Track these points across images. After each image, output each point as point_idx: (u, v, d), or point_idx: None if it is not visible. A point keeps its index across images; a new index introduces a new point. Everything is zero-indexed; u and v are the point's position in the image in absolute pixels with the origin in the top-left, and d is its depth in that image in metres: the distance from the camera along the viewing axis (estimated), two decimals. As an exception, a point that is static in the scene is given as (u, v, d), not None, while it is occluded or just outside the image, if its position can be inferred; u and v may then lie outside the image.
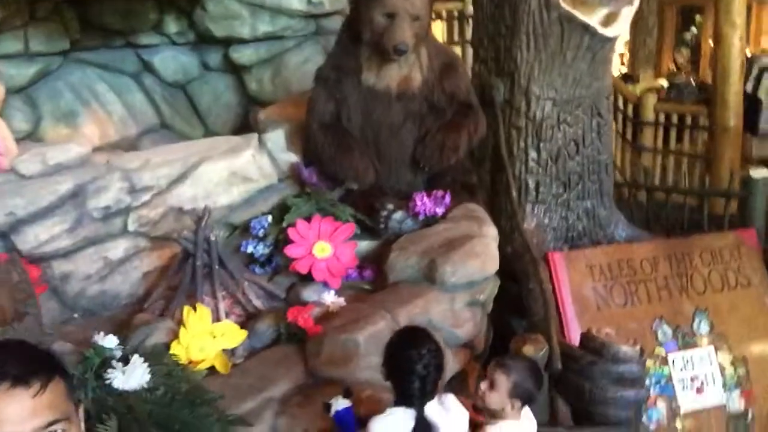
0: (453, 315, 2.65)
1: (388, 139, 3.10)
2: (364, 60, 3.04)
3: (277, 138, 3.25)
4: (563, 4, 3.09)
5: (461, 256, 2.68)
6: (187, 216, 2.83)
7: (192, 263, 2.57)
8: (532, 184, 3.45)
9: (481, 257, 2.73)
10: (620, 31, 3.21)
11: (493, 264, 2.79)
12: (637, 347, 2.42)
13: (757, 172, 3.58)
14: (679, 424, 3.05)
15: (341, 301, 2.69)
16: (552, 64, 3.27)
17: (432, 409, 1.76)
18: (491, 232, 2.92)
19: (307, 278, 2.82)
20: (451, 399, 1.84)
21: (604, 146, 3.60)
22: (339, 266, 2.82)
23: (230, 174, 3.00)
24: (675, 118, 6.54)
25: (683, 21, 10.42)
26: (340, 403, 1.91)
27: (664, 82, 9.03)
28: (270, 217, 3.01)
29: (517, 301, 3.13)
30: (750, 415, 3.17)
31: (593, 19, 3.13)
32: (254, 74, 4.40)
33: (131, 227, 2.81)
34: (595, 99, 3.46)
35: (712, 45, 11.08)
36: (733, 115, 6.20)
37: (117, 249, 2.81)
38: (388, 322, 2.40)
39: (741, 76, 6.34)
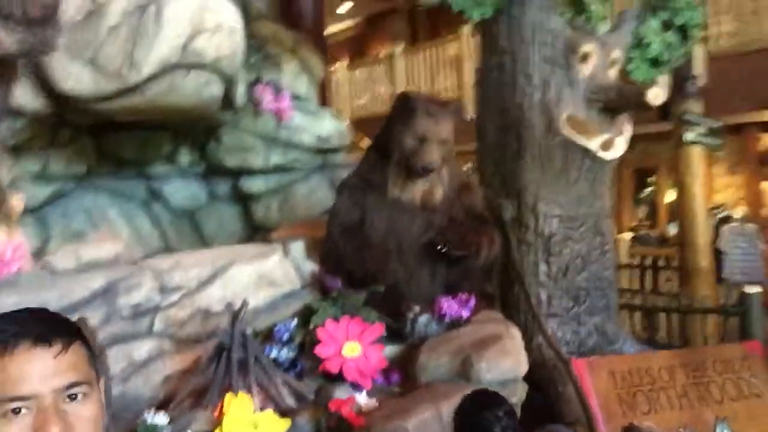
0: (491, 414, 2.61)
1: (410, 248, 3.22)
2: (390, 175, 3.24)
3: (299, 247, 3.34)
4: (565, 131, 3.43)
5: (494, 354, 2.70)
6: (214, 318, 2.82)
7: (227, 357, 2.52)
8: (544, 297, 3.55)
9: (513, 355, 2.75)
10: (618, 154, 3.53)
11: (524, 364, 2.80)
12: (681, 437, 2.40)
13: (751, 288, 3.78)
14: None
15: (374, 402, 2.62)
16: (556, 183, 3.54)
17: None
18: (518, 333, 2.96)
19: (336, 381, 2.77)
20: None
21: (608, 264, 3.78)
22: (369, 366, 2.79)
23: (258, 277, 3.04)
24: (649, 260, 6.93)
25: (639, 181, 11.30)
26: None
27: (628, 236, 9.58)
28: (295, 320, 3.00)
29: (542, 410, 3.09)
30: None
31: (593, 143, 3.46)
32: (263, 202, 4.57)
33: (158, 327, 2.77)
34: (597, 218, 3.69)
35: (666, 201, 11.95)
36: (703, 257, 6.59)
37: (141, 350, 2.74)
38: (433, 413, 2.35)
39: (707, 220, 6.85)
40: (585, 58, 3.46)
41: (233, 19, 3.25)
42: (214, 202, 4.67)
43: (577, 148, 3.45)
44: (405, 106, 3.16)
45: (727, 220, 8.95)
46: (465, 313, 3.02)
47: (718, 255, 7.86)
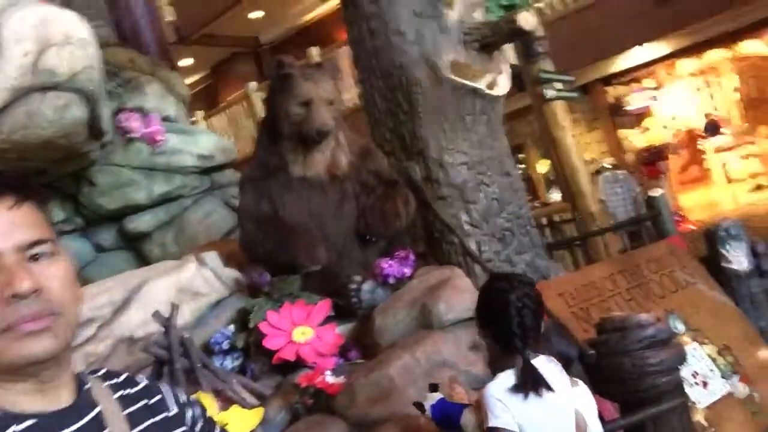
0: (463, 354, 2.48)
1: (331, 224, 3.04)
2: (287, 153, 3.06)
3: (213, 257, 3.06)
4: (451, 76, 3.42)
5: (450, 293, 2.59)
6: (141, 343, 2.48)
7: (170, 370, 2.20)
8: (473, 246, 3.49)
9: (468, 292, 2.64)
10: (504, 91, 3.57)
11: (479, 300, 2.70)
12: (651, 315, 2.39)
13: (654, 192, 3.95)
14: (699, 418, 2.94)
15: (341, 379, 2.40)
16: (455, 132, 3.51)
17: (539, 362, 1.59)
18: (463, 274, 2.87)
19: (293, 372, 2.52)
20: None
21: (522, 202, 3.80)
22: (326, 345, 2.57)
23: (178, 291, 2.73)
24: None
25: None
26: (432, 398, 1.67)
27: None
28: (231, 327, 2.72)
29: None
30: (757, 397, 3.15)
31: (480, 83, 3.48)
32: (155, 240, 4.21)
33: (80, 367, 2.38)
34: (501, 158, 3.71)
35: (539, 172, 12.52)
36: (592, 202, 6.92)
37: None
38: (411, 358, 2.18)
39: (585, 167, 7.21)
40: (450, 3, 3.49)
41: (81, 29, 2.97)
42: (101, 255, 4.23)
43: (467, 91, 3.45)
44: (281, 74, 3.00)
45: (600, 171, 9.50)
46: (408, 271, 2.89)
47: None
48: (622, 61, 9.61)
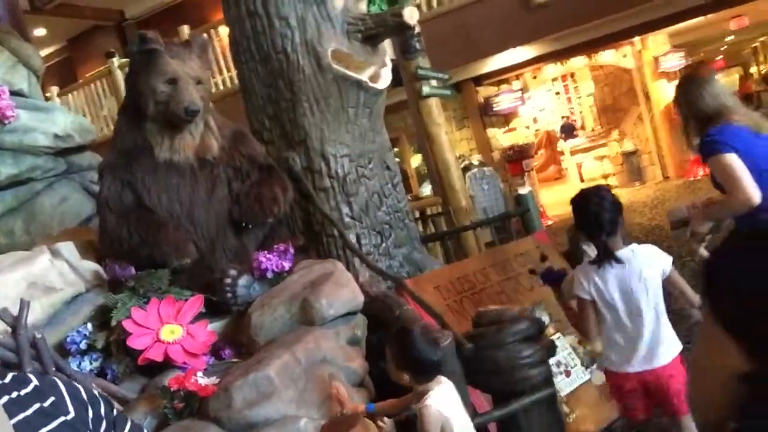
0: (343, 350, 2.43)
1: (202, 212, 2.87)
2: (152, 136, 2.84)
3: (70, 248, 2.78)
4: (335, 66, 3.35)
5: (332, 288, 2.52)
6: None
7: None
8: (353, 238, 3.45)
9: (349, 286, 2.60)
10: (386, 84, 3.55)
11: (360, 294, 2.67)
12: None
13: (523, 189, 4.13)
14: (562, 405, 3.11)
15: (214, 380, 2.27)
16: (338, 123, 3.45)
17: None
18: (344, 268, 2.82)
19: (160, 373, 2.35)
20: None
21: (401, 196, 3.82)
22: (197, 345, 2.41)
23: (29, 285, 2.44)
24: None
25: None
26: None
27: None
28: (89, 325, 2.49)
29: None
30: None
31: (363, 75, 3.44)
32: (1, 228, 3.78)
33: None
34: (382, 153, 3.70)
35: (413, 167, 12.78)
36: (462, 197, 7.14)
37: None
38: (291, 357, 2.10)
39: (456, 164, 7.42)
40: (335, -8, 3.42)
41: None
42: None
43: (350, 82, 3.39)
44: (144, 49, 2.77)
45: (468, 168, 9.85)
46: (287, 264, 2.78)
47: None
48: (493, 63, 10.02)
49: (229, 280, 2.66)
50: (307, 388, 2.09)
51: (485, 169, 9.87)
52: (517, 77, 11.35)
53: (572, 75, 13.15)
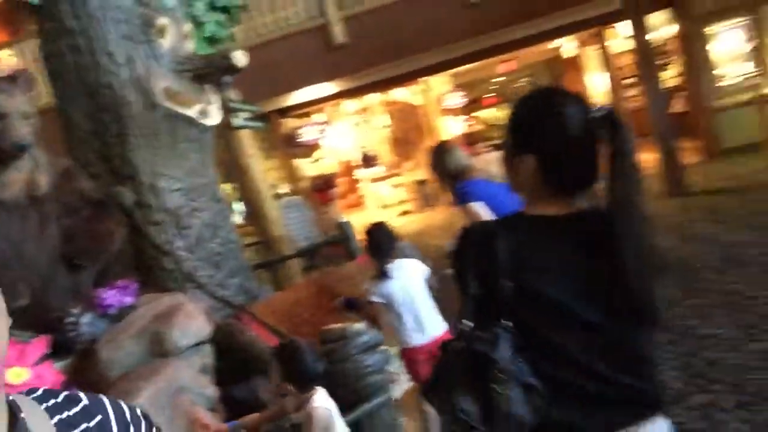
0: (197, 378, 2.55)
1: (33, 251, 2.80)
2: (-21, 172, 2.73)
3: None
4: (166, 103, 3.44)
5: (183, 319, 2.63)
6: None
7: None
8: (188, 270, 3.53)
9: (199, 316, 2.72)
10: (216, 120, 3.71)
11: (208, 324, 2.79)
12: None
13: (343, 218, 4.50)
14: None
15: (66, 419, 2.26)
16: (169, 157, 3.53)
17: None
18: (191, 300, 2.92)
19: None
20: None
21: (231, 227, 3.97)
22: (47, 385, 2.37)
23: None
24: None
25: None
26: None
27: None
28: None
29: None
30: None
31: (193, 112, 3.56)
32: None
33: None
34: (213, 185, 3.83)
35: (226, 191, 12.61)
36: (277, 227, 7.37)
37: None
38: (156, 387, 2.19)
39: (271, 195, 7.65)
40: (162, 31, 3.51)
41: None
42: None
43: (181, 118, 3.50)
44: None
45: (278, 196, 10.09)
46: (129, 299, 2.81)
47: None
48: (296, 96, 10.44)
49: (72, 319, 2.63)
50: (173, 415, 2.19)
51: (294, 198, 10.19)
52: (320, 110, 11.90)
53: (369, 109, 14.09)
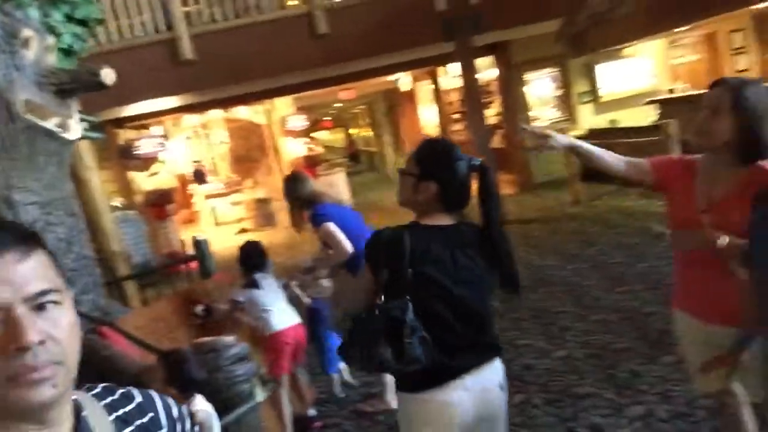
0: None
1: None
2: None
3: None
4: (27, 116, 3.38)
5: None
6: None
7: None
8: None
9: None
10: (77, 135, 3.70)
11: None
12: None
13: (199, 236, 4.60)
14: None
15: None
16: (27, 170, 3.46)
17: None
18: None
19: None
20: None
21: (86, 243, 3.93)
22: None
23: None
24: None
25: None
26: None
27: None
28: None
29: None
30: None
31: (53, 125, 3.53)
32: None
33: None
34: (69, 200, 3.78)
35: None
36: (115, 242, 7.17)
37: None
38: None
39: (109, 209, 7.40)
40: (26, 43, 3.46)
41: None
42: None
43: (41, 131, 3.46)
44: None
45: (113, 210, 9.68)
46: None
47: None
48: (134, 107, 10.13)
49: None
50: None
51: (129, 212, 9.84)
52: (159, 123, 11.60)
53: (209, 125, 13.96)
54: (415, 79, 14.03)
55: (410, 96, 15.04)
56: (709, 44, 11.96)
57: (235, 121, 13.43)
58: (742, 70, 11.69)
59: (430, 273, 1.90)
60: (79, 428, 0.86)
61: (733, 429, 2.30)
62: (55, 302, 0.82)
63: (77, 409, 0.88)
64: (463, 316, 1.96)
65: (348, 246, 3.71)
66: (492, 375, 2.03)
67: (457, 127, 13.68)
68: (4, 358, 0.77)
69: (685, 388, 3.37)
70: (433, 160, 2.01)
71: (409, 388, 1.98)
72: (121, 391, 0.97)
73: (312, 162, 13.94)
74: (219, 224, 13.97)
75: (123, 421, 0.93)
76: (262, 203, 13.60)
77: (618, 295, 5.25)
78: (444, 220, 2.00)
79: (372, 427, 3.90)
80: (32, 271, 0.81)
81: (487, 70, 11.78)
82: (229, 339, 2.95)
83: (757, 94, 1.95)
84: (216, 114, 12.65)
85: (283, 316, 3.78)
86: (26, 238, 0.84)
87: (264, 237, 12.51)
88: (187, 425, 1.02)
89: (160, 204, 10.74)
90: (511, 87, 11.41)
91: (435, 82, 13.32)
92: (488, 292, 2.05)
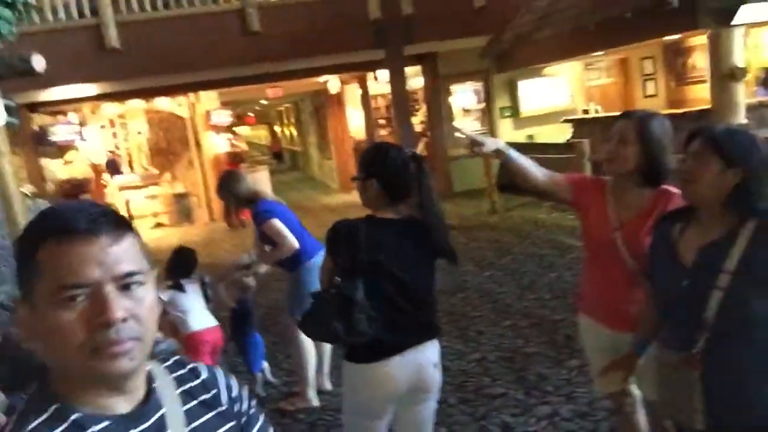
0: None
1: None
2: None
3: None
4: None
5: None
6: None
7: None
8: (-42, 276, 3.35)
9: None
10: (3, 120, 3.59)
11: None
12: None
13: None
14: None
15: None
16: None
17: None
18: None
19: None
20: None
21: (3, 232, 3.81)
22: None
23: None
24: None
25: None
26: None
27: None
28: None
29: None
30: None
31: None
32: None
33: None
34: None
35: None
36: (25, 231, 6.88)
37: None
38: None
39: (22, 198, 7.08)
40: (-48, 23, 3.34)
41: None
42: None
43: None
44: None
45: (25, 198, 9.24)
46: None
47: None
48: (51, 92, 9.72)
49: None
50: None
51: (40, 200, 9.41)
52: (75, 110, 11.15)
53: (129, 114, 13.52)
54: (344, 82, 14.13)
55: (338, 98, 15.12)
56: (621, 69, 12.73)
57: (157, 112, 13.07)
58: (651, 95, 12.55)
59: (381, 259, 2.19)
60: (150, 397, 0.95)
61: (628, 426, 2.56)
62: (140, 283, 0.90)
63: (150, 379, 0.96)
64: (408, 298, 2.24)
65: (294, 241, 3.75)
66: (429, 353, 2.33)
67: (384, 132, 13.89)
68: (90, 330, 0.85)
69: (588, 390, 3.66)
70: (370, 160, 2.33)
71: (356, 359, 2.28)
72: (189, 366, 1.05)
73: (235, 159, 13.76)
74: (133, 218, 13.51)
75: (188, 395, 1.00)
76: (180, 198, 13.31)
77: (529, 302, 5.57)
78: (392, 213, 2.28)
79: (292, 425, 3.98)
80: (123, 254, 0.88)
81: (413, 78, 12.05)
82: (158, 335, 2.97)
83: (661, 126, 2.21)
84: (136, 104, 12.28)
85: (201, 317, 3.84)
86: (120, 223, 0.91)
87: (181, 233, 12.30)
88: (244, 405, 1.08)
89: (74, 194, 10.35)
90: (436, 97, 11.73)
91: (363, 86, 13.47)
92: (431, 277, 2.36)
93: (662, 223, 1.97)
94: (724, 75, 6.29)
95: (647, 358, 2.11)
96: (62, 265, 0.85)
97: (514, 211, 9.67)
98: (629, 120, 2.23)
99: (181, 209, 13.39)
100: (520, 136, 11.47)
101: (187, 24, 9.04)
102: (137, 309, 0.88)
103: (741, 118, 6.33)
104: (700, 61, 11.37)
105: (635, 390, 2.47)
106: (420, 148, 12.54)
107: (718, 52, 6.32)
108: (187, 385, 1.01)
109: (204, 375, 1.05)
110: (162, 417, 0.94)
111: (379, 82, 12.36)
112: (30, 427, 0.86)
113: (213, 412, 1.02)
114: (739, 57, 6.26)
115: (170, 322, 3.80)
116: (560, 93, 11.96)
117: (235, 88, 11.77)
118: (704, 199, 1.79)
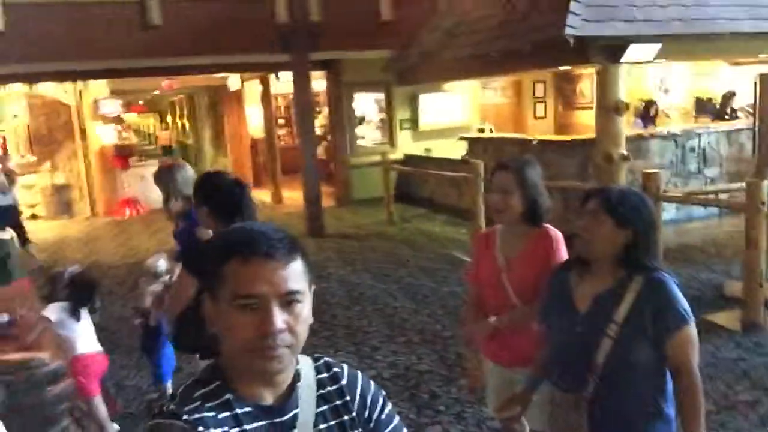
0: None
1: None
2: None
3: None
4: None
5: None
6: None
7: None
8: None
9: None
10: None
11: None
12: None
13: (3, 234, 4.20)
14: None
15: None
16: None
17: None
18: None
19: None
20: None
21: None
22: None
23: None
24: None
25: None
26: None
27: None
28: None
29: None
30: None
31: None
32: None
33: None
34: None
35: None
36: None
37: None
38: None
39: None
40: None
41: None
42: None
43: None
44: None
45: None
46: None
47: None
48: None
49: None
50: None
51: None
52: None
53: (6, 98, 12.53)
54: (245, 79, 13.84)
55: (237, 95, 14.79)
56: (515, 90, 13.36)
57: (38, 97, 12.20)
58: (540, 117, 13.27)
59: None
60: (292, 395, 1.10)
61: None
62: (299, 301, 1.05)
63: (296, 378, 1.11)
64: None
65: None
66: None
67: (282, 131, 13.73)
68: (254, 333, 1.01)
69: (476, 410, 3.83)
70: (200, 190, 2.64)
71: None
72: (335, 370, 1.18)
73: (123, 152, 13.13)
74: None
75: (324, 399, 1.13)
76: (60, 189, 12.52)
77: (423, 316, 5.73)
78: None
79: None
80: (290, 275, 1.04)
81: (316, 81, 12.01)
82: (43, 356, 2.80)
83: (535, 172, 2.42)
84: (15, 87, 11.41)
85: (89, 342, 3.50)
86: (292, 248, 1.06)
87: (59, 227, 11.55)
88: (376, 412, 1.18)
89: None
90: (339, 104, 11.76)
91: (265, 84, 13.24)
92: None
93: (560, 271, 2.12)
94: (609, 107, 6.77)
95: (539, 393, 2.26)
96: (241, 280, 1.02)
97: (410, 223, 9.90)
98: (507, 172, 2.41)
99: (61, 201, 12.59)
100: (419, 149, 11.74)
101: (81, 11, 8.53)
102: (294, 323, 1.04)
103: (622, 148, 6.83)
104: (586, 89, 12.17)
105: (525, 418, 2.63)
106: (320, 153, 12.53)
107: (604, 85, 6.79)
108: (326, 389, 1.15)
109: (343, 381, 1.17)
110: (295, 416, 1.08)
111: (281, 81, 12.21)
112: (196, 394, 1.04)
113: (340, 419, 1.14)
114: (622, 92, 6.76)
115: (56, 342, 3.56)
116: (458, 109, 12.36)
117: (128, 78, 11.24)
118: (598, 254, 1.96)
